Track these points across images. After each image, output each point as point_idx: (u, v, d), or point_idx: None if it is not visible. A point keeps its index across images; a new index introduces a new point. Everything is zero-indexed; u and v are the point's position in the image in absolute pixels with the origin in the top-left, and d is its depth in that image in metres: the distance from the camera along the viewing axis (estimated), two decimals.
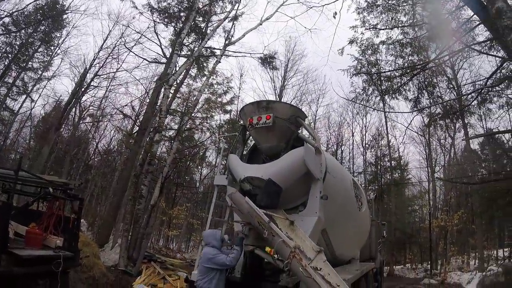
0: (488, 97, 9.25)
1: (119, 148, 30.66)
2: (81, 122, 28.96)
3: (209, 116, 22.06)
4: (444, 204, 27.73)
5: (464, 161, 25.80)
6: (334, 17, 9.17)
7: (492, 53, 9.00)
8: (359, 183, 11.98)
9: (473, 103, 9.05)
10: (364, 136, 30.86)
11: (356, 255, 9.79)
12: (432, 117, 11.20)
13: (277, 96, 26.63)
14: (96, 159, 33.66)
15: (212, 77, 19.71)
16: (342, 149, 31.48)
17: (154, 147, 12.03)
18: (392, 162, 29.53)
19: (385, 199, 29.08)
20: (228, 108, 25.90)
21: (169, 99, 13.70)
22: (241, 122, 6.85)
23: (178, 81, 15.93)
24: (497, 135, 23.69)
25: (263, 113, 5.54)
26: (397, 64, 10.57)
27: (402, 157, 30.93)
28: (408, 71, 9.61)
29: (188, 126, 18.07)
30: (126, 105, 26.18)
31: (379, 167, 30.39)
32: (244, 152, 6.61)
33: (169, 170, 13.05)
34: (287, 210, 5.47)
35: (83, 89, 24.64)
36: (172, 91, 14.83)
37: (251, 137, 6.52)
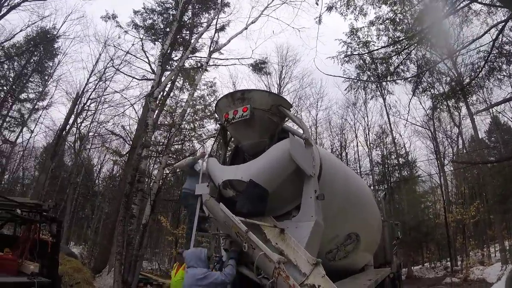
0: (496, 65, 8.35)
1: (122, 171, 30.06)
2: (82, 149, 28.35)
3: (197, 126, 21.27)
4: (458, 197, 26.69)
5: (473, 150, 24.84)
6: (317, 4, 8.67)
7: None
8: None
9: (480, 74, 8.13)
10: (368, 136, 30.02)
11: (370, 261, 8.88)
12: (437, 98, 10.22)
13: None
14: (100, 185, 33.17)
15: (198, 87, 18.93)
16: (347, 151, 30.61)
17: (142, 163, 11.29)
18: (400, 159, 28.56)
19: (396, 199, 28.08)
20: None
21: (155, 113, 12.97)
22: (219, 121, 6.06)
23: (164, 94, 15.24)
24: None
25: (239, 106, 4.73)
26: (390, 40, 9.68)
27: (409, 153, 30.00)
28: (403, 45, 8.74)
29: (176, 138, 17.28)
30: (112, 123, 25.33)
31: (386, 165, 29.41)
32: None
33: (159, 186, 12.25)
34: (279, 216, 4.60)
35: (78, 113, 24.01)
36: (159, 104, 14.11)
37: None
